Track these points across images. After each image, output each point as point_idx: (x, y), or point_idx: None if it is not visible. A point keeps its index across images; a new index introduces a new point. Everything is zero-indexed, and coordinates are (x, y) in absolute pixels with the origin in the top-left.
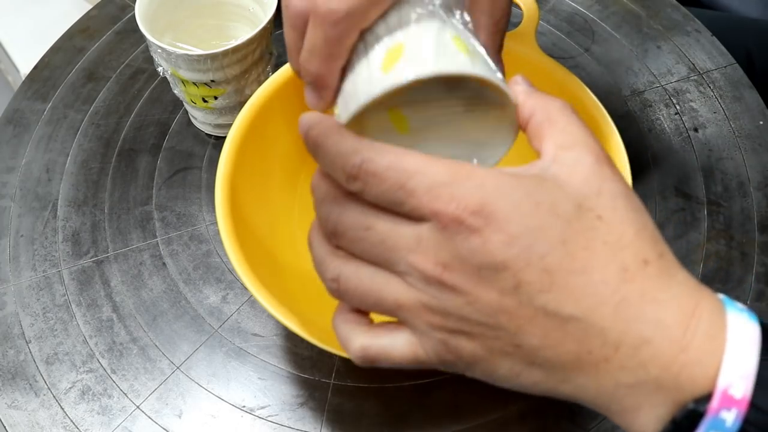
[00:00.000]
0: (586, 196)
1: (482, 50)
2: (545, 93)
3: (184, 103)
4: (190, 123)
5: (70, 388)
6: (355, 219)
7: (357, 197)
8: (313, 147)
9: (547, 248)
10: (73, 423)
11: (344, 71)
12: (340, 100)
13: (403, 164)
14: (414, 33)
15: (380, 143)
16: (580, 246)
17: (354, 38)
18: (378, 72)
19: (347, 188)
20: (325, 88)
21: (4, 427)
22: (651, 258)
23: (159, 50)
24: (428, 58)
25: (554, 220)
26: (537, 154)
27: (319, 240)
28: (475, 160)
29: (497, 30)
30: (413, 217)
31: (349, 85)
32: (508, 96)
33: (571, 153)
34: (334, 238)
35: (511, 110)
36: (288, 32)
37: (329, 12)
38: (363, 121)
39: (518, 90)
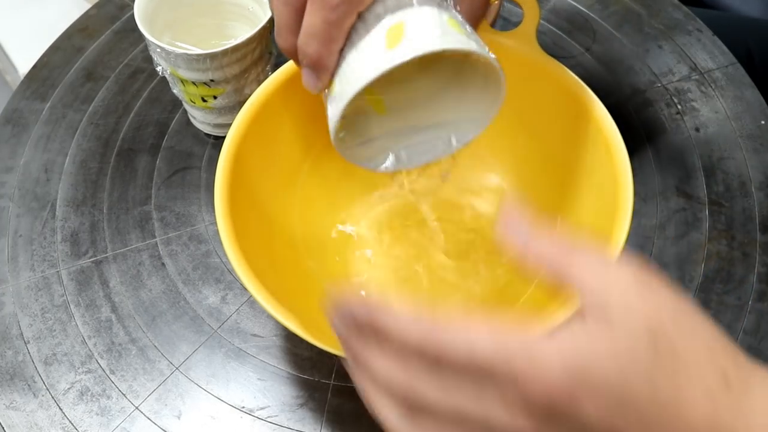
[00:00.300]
0: (650, 321)
1: (472, 31)
2: (542, 232)
3: (184, 103)
4: (189, 123)
5: (68, 388)
6: (433, 395)
7: (426, 364)
8: (370, 328)
9: (639, 399)
10: (72, 424)
11: (341, 51)
12: (339, 80)
13: (472, 341)
14: (414, 13)
15: (445, 318)
16: (666, 383)
17: (353, 20)
18: (383, 49)
19: (416, 362)
20: (324, 69)
21: (3, 428)
22: (728, 367)
23: (158, 50)
24: (433, 35)
25: (638, 367)
26: (567, 286)
27: (386, 401)
28: (453, 138)
29: (473, 18)
30: (497, 388)
31: (351, 63)
32: (498, 73)
33: (612, 285)
34: (408, 405)
35: (498, 86)
36: (280, 9)
37: None
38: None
39: (517, 242)
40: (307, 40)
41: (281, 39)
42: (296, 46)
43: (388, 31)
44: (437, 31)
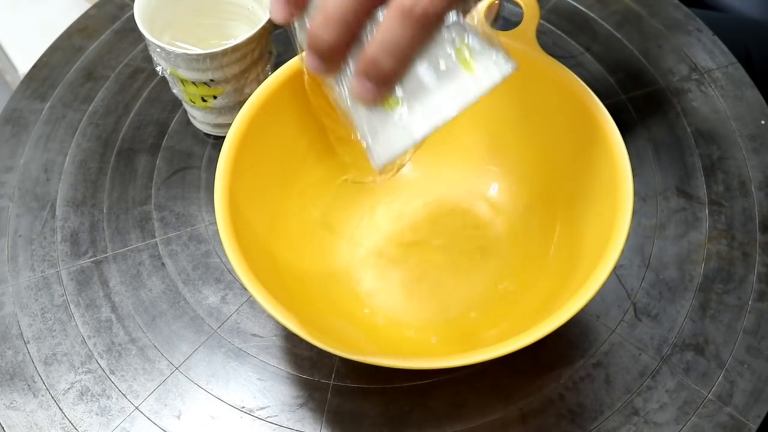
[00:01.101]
0: None
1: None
2: None
3: (183, 103)
4: (189, 122)
5: (68, 388)
6: None
7: None
8: None
9: None
10: (72, 424)
11: None
12: (404, 94)
13: None
14: (470, 38)
15: None
16: None
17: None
18: (461, 71)
19: None
20: (391, 85)
21: (3, 428)
22: None
23: (158, 49)
24: (500, 57)
25: None
26: None
27: None
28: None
29: None
30: None
31: (424, 79)
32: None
33: None
34: None
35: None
36: (347, 7)
37: (426, 13)
38: None
39: None
40: (386, 55)
41: (329, 31)
42: (341, 43)
43: (456, 48)
44: (500, 51)
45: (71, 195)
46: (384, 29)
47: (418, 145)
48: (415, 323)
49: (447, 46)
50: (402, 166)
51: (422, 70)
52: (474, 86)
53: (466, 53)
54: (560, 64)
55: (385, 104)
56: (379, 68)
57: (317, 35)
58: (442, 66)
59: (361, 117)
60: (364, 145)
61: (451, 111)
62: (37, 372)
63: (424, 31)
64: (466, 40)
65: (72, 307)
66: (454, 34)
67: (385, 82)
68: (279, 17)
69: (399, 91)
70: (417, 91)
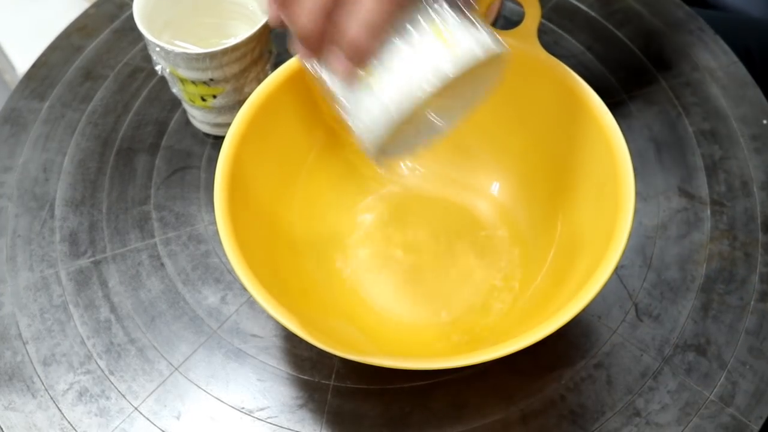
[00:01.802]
0: None
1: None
2: None
3: (183, 102)
4: (188, 122)
5: (67, 389)
6: None
7: None
8: None
9: None
10: (71, 425)
11: None
12: (381, 69)
13: None
14: (448, 15)
15: None
16: None
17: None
18: (437, 43)
19: None
20: (366, 59)
21: (2, 429)
22: None
23: (157, 49)
24: (479, 33)
25: None
26: None
27: None
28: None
29: None
30: None
31: (401, 52)
32: (501, 64)
33: None
34: None
35: (494, 71)
36: None
37: None
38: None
39: None
40: (361, 31)
41: (310, 18)
42: (324, 28)
43: (432, 23)
44: (486, 32)
45: (70, 195)
46: (362, 10)
47: (420, 142)
48: (415, 323)
49: (424, 22)
50: (403, 160)
51: (398, 45)
52: (448, 56)
53: (442, 28)
54: (561, 63)
55: (367, 83)
56: (357, 46)
57: (302, 25)
58: (418, 40)
59: (348, 101)
60: (353, 130)
61: (424, 83)
62: (36, 373)
63: (397, 5)
64: (442, 17)
65: (71, 307)
66: (432, 13)
67: (362, 56)
68: (273, 22)
69: (377, 68)
70: (392, 65)
